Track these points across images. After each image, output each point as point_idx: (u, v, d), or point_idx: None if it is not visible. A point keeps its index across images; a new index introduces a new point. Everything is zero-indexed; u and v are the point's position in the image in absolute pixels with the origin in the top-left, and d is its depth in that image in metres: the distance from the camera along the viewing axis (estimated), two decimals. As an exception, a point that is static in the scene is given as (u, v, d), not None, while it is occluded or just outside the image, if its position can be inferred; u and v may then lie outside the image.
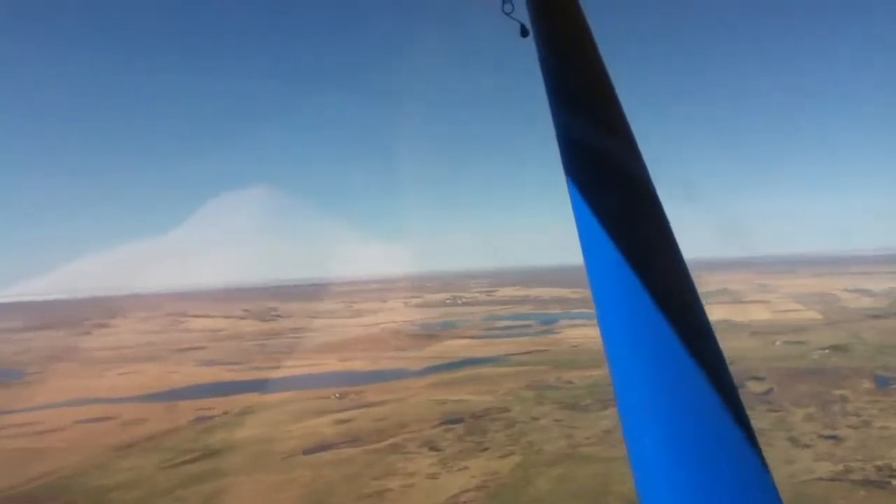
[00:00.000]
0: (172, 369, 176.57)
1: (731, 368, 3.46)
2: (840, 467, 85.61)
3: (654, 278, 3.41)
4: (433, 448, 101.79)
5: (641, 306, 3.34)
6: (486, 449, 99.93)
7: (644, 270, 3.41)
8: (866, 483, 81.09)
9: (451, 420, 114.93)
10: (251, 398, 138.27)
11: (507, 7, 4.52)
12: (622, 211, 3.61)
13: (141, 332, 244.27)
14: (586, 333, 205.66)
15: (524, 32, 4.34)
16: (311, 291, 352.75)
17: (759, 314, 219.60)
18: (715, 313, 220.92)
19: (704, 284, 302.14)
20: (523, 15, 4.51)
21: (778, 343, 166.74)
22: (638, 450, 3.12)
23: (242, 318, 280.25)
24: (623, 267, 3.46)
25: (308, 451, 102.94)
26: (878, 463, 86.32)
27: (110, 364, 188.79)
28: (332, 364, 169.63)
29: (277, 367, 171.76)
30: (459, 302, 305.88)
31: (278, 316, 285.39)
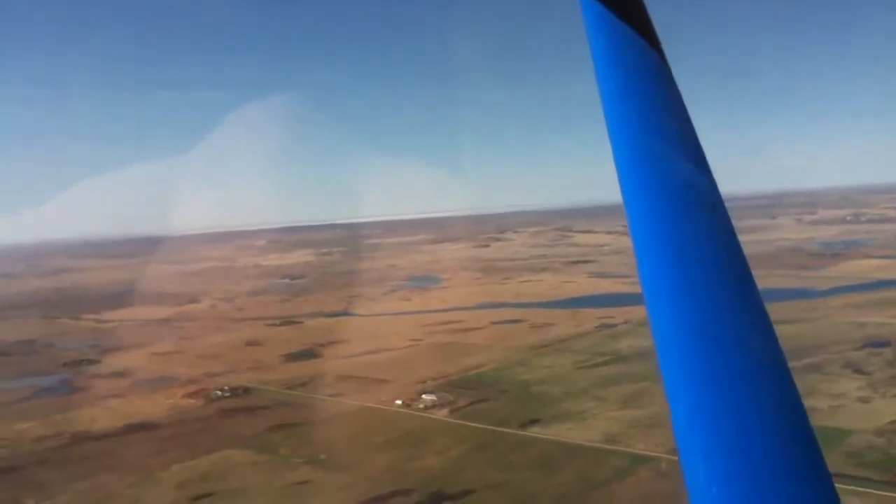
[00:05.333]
0: (567, 279, 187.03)
1: None
2: None
3: (702, 245, 3.15)
4: (858, 371, 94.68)
5: (686, 275, 3.08)
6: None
7: (689, 233, 3.16)
8: None
9: (875, 343, 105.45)
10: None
11: None
12: (669, 171, 3.39)
13: (533, 245, 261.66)
14: None
15: None
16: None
17: None
18: None
19: None
20: None
21: None
22: (681, 426, 2.85)
23: (623, 234, 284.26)
24: (668, 231, 3.19)
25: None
26: None
27: (510, 273, 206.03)
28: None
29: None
30: (863, 219, 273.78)
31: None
